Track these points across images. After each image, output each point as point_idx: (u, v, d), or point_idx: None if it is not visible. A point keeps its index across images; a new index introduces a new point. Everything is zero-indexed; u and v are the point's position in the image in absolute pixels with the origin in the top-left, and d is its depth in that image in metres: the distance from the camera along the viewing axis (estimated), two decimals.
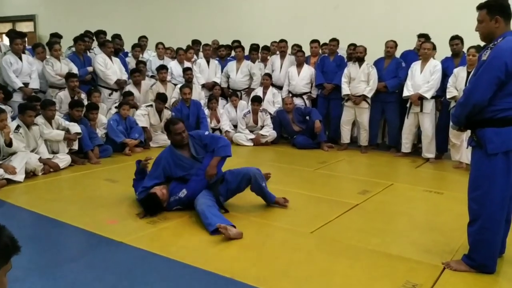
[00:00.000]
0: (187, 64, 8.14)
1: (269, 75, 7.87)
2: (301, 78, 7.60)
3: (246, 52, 8.32)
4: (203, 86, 8.09)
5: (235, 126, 7.66)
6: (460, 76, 5.77)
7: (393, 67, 6.78)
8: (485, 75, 2.66)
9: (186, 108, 7.28)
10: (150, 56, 8.61)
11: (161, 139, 6.95)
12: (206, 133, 4.25)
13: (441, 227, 3.73)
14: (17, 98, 6.29)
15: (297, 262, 3.01)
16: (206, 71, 8.19)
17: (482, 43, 3.03)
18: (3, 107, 5.31)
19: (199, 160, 4.01)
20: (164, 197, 3.86)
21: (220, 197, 3.96)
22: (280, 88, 7.90)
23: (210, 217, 3.51)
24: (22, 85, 6.34)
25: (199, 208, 3.67)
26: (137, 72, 7.41)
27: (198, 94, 7.80)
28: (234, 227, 3.45)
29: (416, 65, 6.33)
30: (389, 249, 3.26)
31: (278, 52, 8.08)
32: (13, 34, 6.89)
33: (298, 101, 7.59)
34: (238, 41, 8.65)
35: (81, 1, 12.20)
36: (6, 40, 8.16)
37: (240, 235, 3.36)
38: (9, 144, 4.83)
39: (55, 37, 7.71)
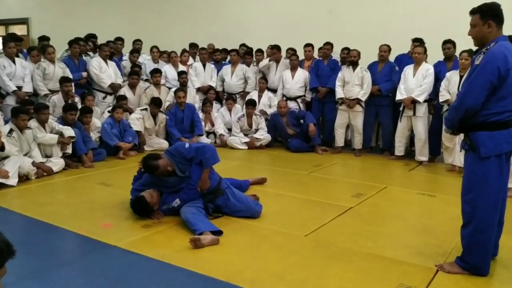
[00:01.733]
0: (181, 67, 8.15)
1: (264, 79, 7.88)
2: (295, 82, 7.62)
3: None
4: (198, 89, 8.10)
5: (230, 130, 7.66)
6: (452, 80, 5.81)
7: (387, 71, 6.82)
8: (478, 80, 2.68)
9: (181, 112, 7.28)
10: (144, 59, 8.60)
11: (155, 143, 6.94)
12: (186, 145, 3.93)
13: (434, 230, 3.76)
14: (11, 101, 6.25)
15: (291, 265, 3.02)
16: (202, 74, 8.19)
17: (475, 47, 3.06)
18: None
19: (187, 176, 3.86)
20: (154, 200, 3.80)
21: (210, 205, 3.89)
22: (274, 91, 7.91)
23: (195, 223, 3.50)
24: (16, 89, 6.31)
25: (184, 216, 3.65)
26: (135, 75, 7.40)
27: (193, 98, 7.81)
28: (221, 232, 3.46)
29: (408, 69, 6.37)
30: (383, 252, 3.27)
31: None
32: (7, 38, 6.86)
33: (292, 105, 7.60)
34: (245, 45, 8.69)
35: (75, 4, 12.16)
36: None
37: (216, 241, 3.33)
38: (1, 148, 4.79)
39: (44, 40, 7.67)
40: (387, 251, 3.30)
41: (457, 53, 6.14)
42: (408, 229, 3.82)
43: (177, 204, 3.84)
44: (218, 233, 3.46)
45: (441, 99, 5.94)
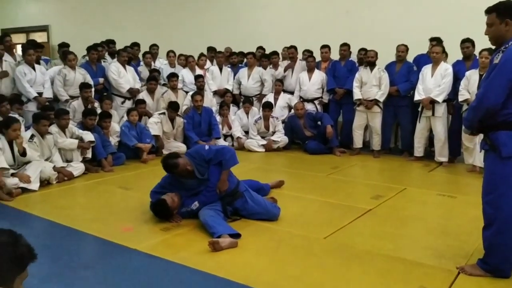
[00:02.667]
0: (199, 71, 8.20)
1: (281, 81, 7.89)
2: (312, 84, 7.60)
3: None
4: (215, 93, 8.14)
5: (246, 132, 7.68)
6: (472, 79, 5.73)
7: (405, 71, 6.76)
8: (498, 79, 2.64)
9: (198, 115, 7.33)
10: (161, 64, 8.68)
11: (173, 147, 6.98)
12: (206, 147, 3.98)
13: (455, 231, 3.71)
14: (32, 107, 6.37)
15: (310, 268, 3.01)
16: (218, 78, 8.24)
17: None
18: (17, 116, 5.39)
19: (205, 178, 3.89)
20: (174, 205, 3.83)
21: (228, 207, 3.90)
22: (291, 93, 7.91)
23: (213, 226, 3.51)
24: (37, 95, 6.43)
25: (202, 218, 3.67)
26: (154, 80, 7.48)
27: (210, 101, 7.85)
28: (239, 235, 3.46)
29: (426, 69, 6.30)
30: (402, 254, 3.24)
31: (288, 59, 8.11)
32: (27, 45, 6.99)
33: (309, 107, 7.59)
34: (263, 48, 8.75)
35: (93, 10, 12.35)
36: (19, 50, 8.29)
37: (234, 244, 3.34)
38: (23, 153, 4.89)
39: (64, 47, 7.80)
40: (407, 253, 3.26)
41: (476, 52, 6.06)
42: (428, 231, 3.77)
43: (196, 206, 3.86)
44: (237, 236, 3.46)
45: (460, 99, 5.86)
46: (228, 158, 3.88)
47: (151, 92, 7.48)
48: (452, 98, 6.23)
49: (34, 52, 6.62)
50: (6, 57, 6.64)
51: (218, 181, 3.88)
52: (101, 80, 7.30)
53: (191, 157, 3.91)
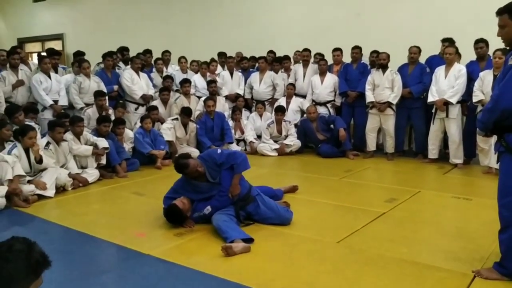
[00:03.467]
0: (210, 76, 8.24)
1: (293, 85, 7.90)
2: (325, 87, 7.59)
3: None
4: (226, 97, 8.17)
5: (259, 137, 7.69)
6: (486, 80, 5.67)
7: (418, 73, 6.71)
8: None
9: (210, 120, 7.37)
10: (174, 70, 8.74)
11: (186, 152, 7.01)
12: (219, 151, 4.01)
13: (470, 235, 3.66)
14: (48, 115, 6.47)
15: (324, 273, 2.99)
16: (229, 83, 8.28)
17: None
18: (32, 124, 5.47)
19: (217, 183, 3.91)
20: (186, 207, 3.86)
21: (241, 212, 3.90)
22: (303, 97, 7.90)
23: (226, 231, 3.52)
24: (53, 103, 6.53)
25: (215, 223, 3.68)
26: (166, 91, 7.54)
27: (222, 106, 7.88)
28: (252, 239, 3.46)
29: (440, 70, 6.25)
30: (417, 258, 3.21)
31: (301, 61, 8.10)
32: (43, 55, 7.10)
33: (322, 110, 7.58)
34: (273, 52, 8.76)
35: (107, 18, 12.50)
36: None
37: (247, 248, 3.34)
38: (39, 161, 4.96)
39: (79, 55, 7.91)
40: (422, 257, 3.23)
41: (490, 52, 5.99)
42: (443, 234, 3.73)
43: (208, 211, 3.87)
44: (249, 240, 3.46)
45: (474, 100, 5.80)
46: (240, 162, 3.89)
47: (164, 102, 7.54)
48: (466, 99, 6.17)
49: (51, 60, 6.72)
50: (22, 65, 6.74)
51: (230, 185, 3.89)
52: (115, 87, 7.38)
53: (203, 160, 3.95)
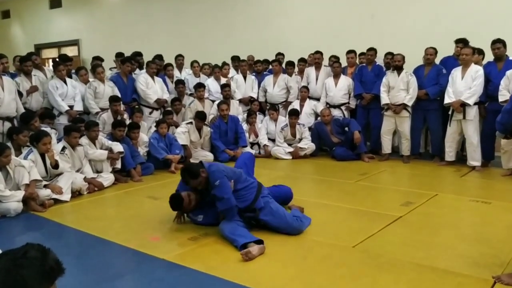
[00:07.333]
0: (223, 80, 8.25)
1: (306, 88, 7.87)
2: (339, 89, 7.55)
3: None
4: (240, 101, 8.17)
5: (273, 140, 7.66)
6: None
7: (434, 74, 6.63)
8: None
9: (224, 124, 7.37)
10: (187, 74, 8.77)
11: (201, 156, 7.03)
12: (217, 182, 3.69)
13: (490, 239, 3.58)
14: (63, 120, 6.53)
15: (339, 278, 2.95)
16: (242, 86, 8.28)
17: None
18: (49, 129, 5.52)
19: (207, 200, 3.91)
20: (189, 206, 3.94)
21: (249, 214, 3.82)
22: (316, 100, 7.86)
23: (235, 240, 3.48)
24: (68, 108, 6.59)
25: (223, 233, 3.65)
26: (178, 101, 7.56)
27: (236, 110, 7.88)
28: (262, 241, 3.41)
29: (456, 71, 6.16)
30: (435, 262, 3.15)
31: (313, 64, 8.08)
32: (57, 62, 7.17)
33: (336, 112, 7.54)
34: (282, 54, 8.79)
35: (121, 24, 12.63)
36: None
37: (263, 249, 3.33)
38: (55, 165, 5.01)
39: (97, 60, 7.98)
40: (439, 261, 3.17)
41: (508, 52, 5.90)
42: (461, 239, 3.66)
43: (200, 219, 3.97)
44: (259, 242, 3.43)
45: (501, 99, 5.64)
46: (222, 210, 3.73)
47: (176, 112, 7.57)
48: (483, 100, 6.06)
49: (64, 67, 6.79)
50: (36, 71, 6.80)
51: (216, 212, 3.83)
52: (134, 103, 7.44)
53: (208, 170, 3.81)
